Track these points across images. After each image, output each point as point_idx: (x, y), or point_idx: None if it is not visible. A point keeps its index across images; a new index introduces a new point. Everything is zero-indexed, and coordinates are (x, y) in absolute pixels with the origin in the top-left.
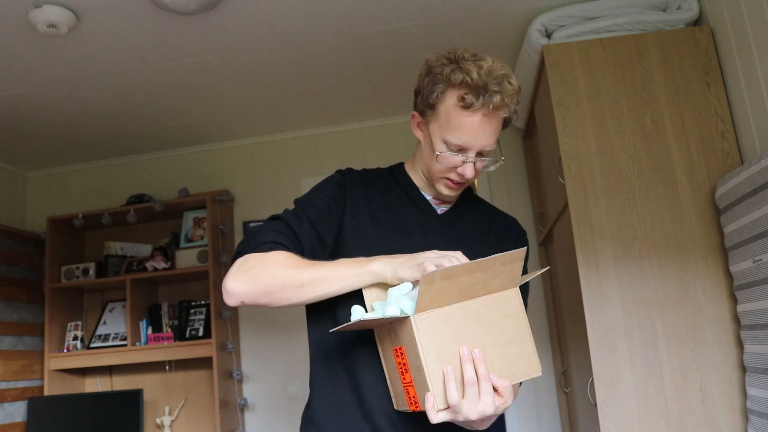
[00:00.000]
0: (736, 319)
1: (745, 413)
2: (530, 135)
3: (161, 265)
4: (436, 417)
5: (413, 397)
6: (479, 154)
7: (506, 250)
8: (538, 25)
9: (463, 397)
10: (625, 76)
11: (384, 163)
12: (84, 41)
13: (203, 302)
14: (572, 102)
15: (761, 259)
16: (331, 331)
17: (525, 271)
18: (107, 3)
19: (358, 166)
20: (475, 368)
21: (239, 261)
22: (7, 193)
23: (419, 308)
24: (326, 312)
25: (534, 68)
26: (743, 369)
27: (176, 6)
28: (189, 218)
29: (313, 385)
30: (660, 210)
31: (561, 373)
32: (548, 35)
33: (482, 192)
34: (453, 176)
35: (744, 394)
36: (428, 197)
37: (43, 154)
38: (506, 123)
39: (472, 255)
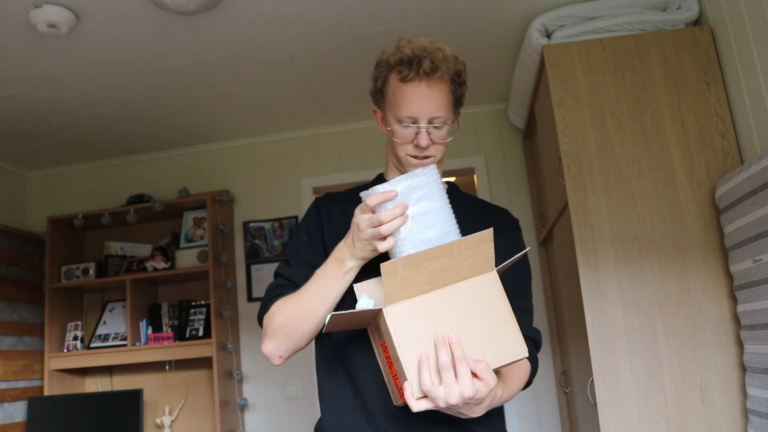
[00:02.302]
0: (736, 319)
1: (745, 413)
2: (530, 135)
3: (161, 265)
4: (416, 405)
5: (401, 389)
6: (431, 123)
7: (500, 238)
8: (538, 25)
9: (440, 383)
10: (625, 76)
11: (384, 162)
12: (84, 41)
13: (203, 302)
14: (572, 102)
15: (761, 259)
16: (323, 331)
17: (526, 262)
18: (107, 3)
19: (358, 166)
20: (451, 352)
21: (263, 327)
22: (7, 193)
23: (389, 299)
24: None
25: (534, 68)
26: (743, 369)
27: (176, 6)
28: (189, 218)
29: (320, 396)
30: (660, 210)
31: (561, 373)
32: (548, 35)
33: (482, 192)
34: (412, 151)
35: (744, 394)
36: None
37: (43, 154)
38: (458, 99)
39: None
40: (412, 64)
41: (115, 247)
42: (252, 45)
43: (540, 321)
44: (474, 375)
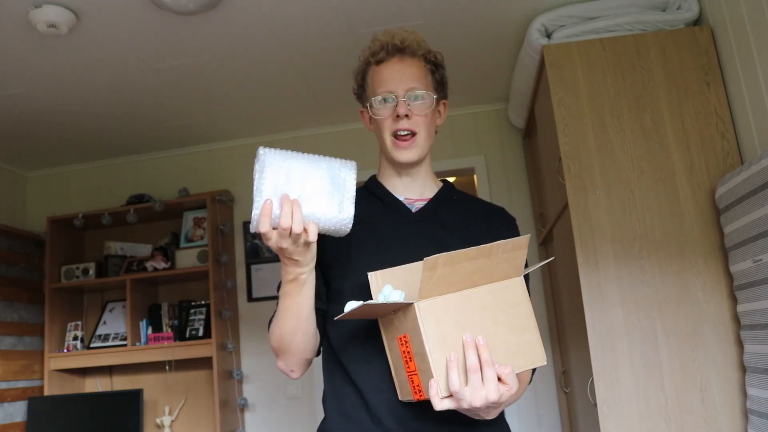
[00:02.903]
0: (736, 319)
1: (745, 413)
2: (530, 135)
3: (161, 265)
4: (440, 404)
5: (417, 385)
6: (410, 97)
7: (497, 237)
8: (538, 25)
9: (467, 384)
10: (625, 76)
11: None
12: (84, 41)
13: (203, 302)
14: (572, 102)
15: (761, 259)
16: (336, 318)
17: (525, 264)
18: (107, 3)
19: (357, 167)
20: (478, 355)
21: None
22: (7, 193)
23: (422, 295)
24: (323, 328)
25: (534, 68)
26: (743, 369)
27: (176, 6)
28: (189, 218)
29: (324, 396)
30: (660, 210)
31: (561, 373)
32: (548, 35)
33: (482, 192)
34: (393, 126)
35: (744, 394)
36: (401, 198)
37: (43, 154)
38: (440, 83)
39: (460, 244)
40: (384, 48)
41: (115, 247)
42: (252, 45)
43: (540, 321)
44: (499, 379)
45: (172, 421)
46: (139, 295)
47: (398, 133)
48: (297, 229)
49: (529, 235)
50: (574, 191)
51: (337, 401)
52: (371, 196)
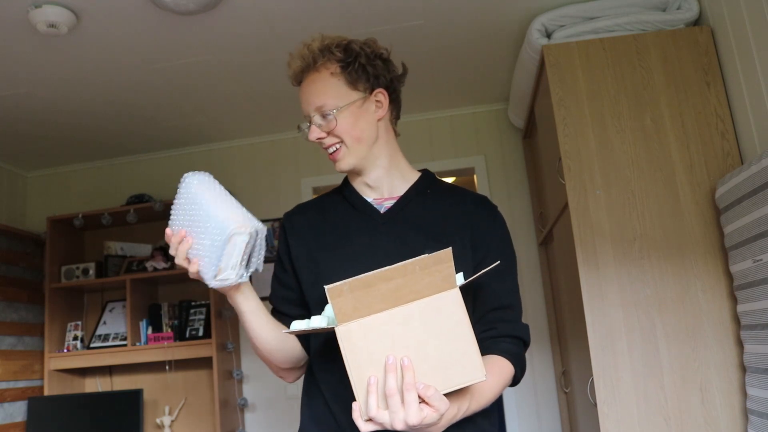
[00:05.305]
0: (736, 319)
1: (745, 413)
2: (530, 135)
3: (161, 265)
4: (364, 427)
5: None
6: (319, 115)
7: (479, 229)
8: (538, 25)
9: (386, 408)
10: (625, 76)
11: None
12: (84, 41)
13: (203, 302)
14: (572, 102)
15: (761, 259)
16: (283, 332)
17: (510, 255)
18: (107, 3)
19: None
20: (403, 376)
21: None
22: (7, 193)
23: (340, 319)
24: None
25: (534, 68)
26: (743, 369)
27: (176, 6)
28: None
29: (301, 403)
30: (660, 210)
31: (561, 373)
32: (548, 35)
33: (482, 192)
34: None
35: (744, 394)
36: (369, 199)
37: (43, 154)
38: (364, 74)
39: (430, 242)
40: (293, 74)
41: (115, 247)
42: (252, 45)
43: (540, 321)
44: (423, 401)
45: (172, 421)
46: (139, 295)
47: (327, 150)
48: (179, 261)
49: (450, 249)
50: (574, 191)
51: (311, 408)
52: (344, 200)
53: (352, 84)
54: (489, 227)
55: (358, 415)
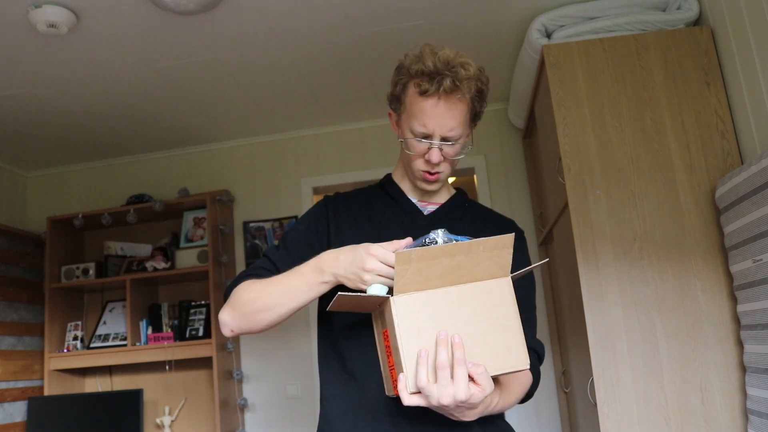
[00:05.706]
0: (736, 319)
1: (745, 413)
2: (530, 135)
3: (161, 265)
4: (408, 399)
5: (395, 380)
6: (445, 140)
7: None
8: (538, 25)
9: (435, 381)
10: (625, 76)
11: (384, 162)
12: (84, 41)
13: (203, 302)
14: (572, 102)
15: (761, 259)
16: (327, 309)
17: (531, 273)
18: (107, 3)
19: (358, 167)
20: (452, 353)
21: (227, 296)
22: (7, 193)
23: (398, 289)
24: (326, 320)
25: (534, 68)
26: (743, 369)
27: (176, 6)
28: (189, 218)
29: (323, 396)
30: (660, 210)
31: (561, 373)
32: (548, 35)
33: (482, 192)
34: (423, 166)
35: (744, 394)
36: (414, 200)
37: (43, 154)
38: (476, 114)
39: None
40: (433, 80)
41: (115, 247)
42: (252, 45)
43: (540, 321)
44: (471, 379)
45: (172, 421)
46: (139, 295)
47: (430, 170)
48: None
49: (513, 234)
50: (574, 191)
51: (338, 400)
52: (385, 194)
53: (473, 120)
54: (517, 248)
55: (403, 387)
